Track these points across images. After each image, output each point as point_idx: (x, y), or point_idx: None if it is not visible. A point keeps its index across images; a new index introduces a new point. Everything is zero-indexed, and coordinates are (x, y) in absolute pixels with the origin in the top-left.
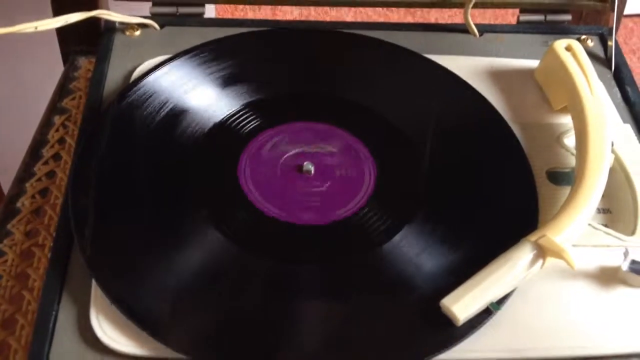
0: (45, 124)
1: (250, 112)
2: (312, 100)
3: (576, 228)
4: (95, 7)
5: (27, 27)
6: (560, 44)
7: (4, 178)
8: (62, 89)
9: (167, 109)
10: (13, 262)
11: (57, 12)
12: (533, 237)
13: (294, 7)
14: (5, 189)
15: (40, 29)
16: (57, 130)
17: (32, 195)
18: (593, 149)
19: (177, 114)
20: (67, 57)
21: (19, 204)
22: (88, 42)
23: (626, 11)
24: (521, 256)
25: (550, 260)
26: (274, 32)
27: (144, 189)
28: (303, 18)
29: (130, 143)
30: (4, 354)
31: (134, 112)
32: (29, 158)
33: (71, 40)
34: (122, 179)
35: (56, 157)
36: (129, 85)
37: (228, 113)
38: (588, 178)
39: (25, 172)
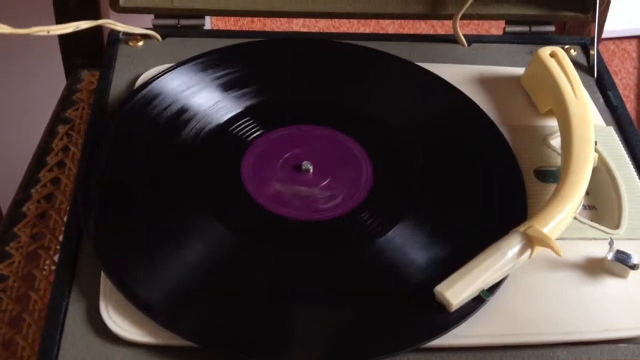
0: (49, 134)
1: (252, 115)
2: (311, 105)
3: (562, 219)
4: (98, 18)
5: (41, 30)
6: (544, 51)
7: (3, 186)
8: (66, 101)
9: (171, 112)
10: (19, 263)
11: (60, 23)
12: (522, 228)
13: (283, 22)
14: (4, 198)
15: (52, 33)
16: (61, 139)
17: (38, 200)
18: (577, 146)
19: (182, 116)
20: (70, 70)
21: (24, 209)
22: (90, 56)
23: (608, 34)
24: (510, 245)
25: (540, 252)
26: (275, 42)
27: (151, 185)
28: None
29: (136, 141)
30: (11, 351)
31: (139, 114)
32: (34, 165)
33: (74, 54)
34: (129, 176)
35: (60, 164)
36: (137, 88)
37: (231, 115)
38: (572, 173)
39: (30, 179)
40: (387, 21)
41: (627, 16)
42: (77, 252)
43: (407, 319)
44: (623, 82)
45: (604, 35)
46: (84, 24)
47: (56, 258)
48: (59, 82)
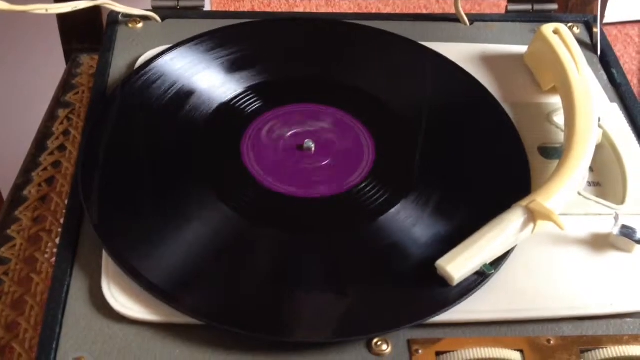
0: (50, 118)
1: (253, 95)
2: (313, 84)
3: (564, 193)
4: None
5: (39, 8)
6: (548, 28)
7: (3, 174)
8: (66, 85)
9: (172, 91)
10: (21, 246)
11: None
12: (524, 202)
13: (284, 7)
14: (4, 185)
15: (50, 11)
16: (61, 123)
17: (39, 184)
18: (580, 121)
19: (182, 96)
20: (70, 55)
21: (25, 192)
22: (89, 39)
23: (610, 19)
24: (513, 219)
25: (544, 228)
26: (275, 22)
27: (153, 165)
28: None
29: (136, 122)
30: (14, 333)
31: (140, 93)
32: (35, 149)
33: (73, 38)
34: (130, 156)
35: (61, 148)
36: (137, 69)
37: (232, 95)
38: (575, 147)
39: (31, 163)
40: (389, 8)
41: (630, 1)
42: (78, 233)
43: (409, 295)
44: (626, 67)
45: (606, 20)
46: (82, 4)
47: (58, 241)
48: (59, 67)
